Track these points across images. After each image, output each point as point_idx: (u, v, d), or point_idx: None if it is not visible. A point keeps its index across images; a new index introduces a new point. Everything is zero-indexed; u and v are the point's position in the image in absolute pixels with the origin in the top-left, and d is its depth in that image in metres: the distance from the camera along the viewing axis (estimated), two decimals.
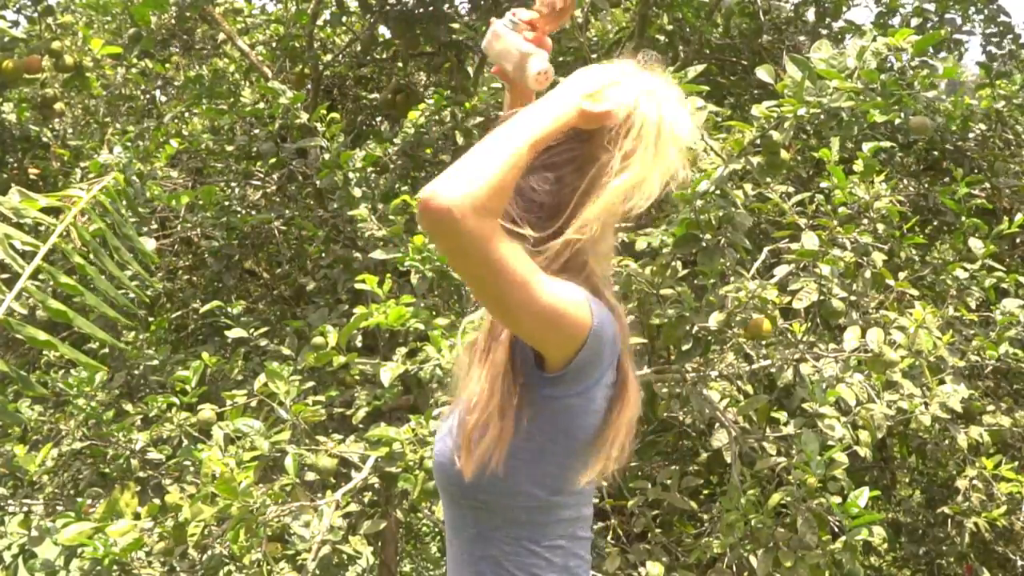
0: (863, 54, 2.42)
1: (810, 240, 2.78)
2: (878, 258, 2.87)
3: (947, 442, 3.17)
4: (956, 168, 3.76)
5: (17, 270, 1.71)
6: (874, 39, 2.48)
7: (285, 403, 2.72)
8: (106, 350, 3.75)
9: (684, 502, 2.92)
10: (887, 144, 3.21)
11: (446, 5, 4.35)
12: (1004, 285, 3.16)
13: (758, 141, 2.64)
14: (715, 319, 2.69)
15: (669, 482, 2.94)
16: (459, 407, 1.33)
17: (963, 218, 3.37)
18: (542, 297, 1.17)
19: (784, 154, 2.69)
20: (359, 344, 3.27)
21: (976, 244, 3.23)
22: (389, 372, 2.67)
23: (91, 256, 1.78)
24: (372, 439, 2.63)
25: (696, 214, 2.63)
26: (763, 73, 2.67)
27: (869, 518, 2.33)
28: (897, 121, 3.42)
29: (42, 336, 1.65)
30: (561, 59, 4.66)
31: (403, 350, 2.81)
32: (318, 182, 3.74)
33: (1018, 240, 3.93)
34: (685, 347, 2.79)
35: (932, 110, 3.60)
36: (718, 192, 2.60)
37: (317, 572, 2.62)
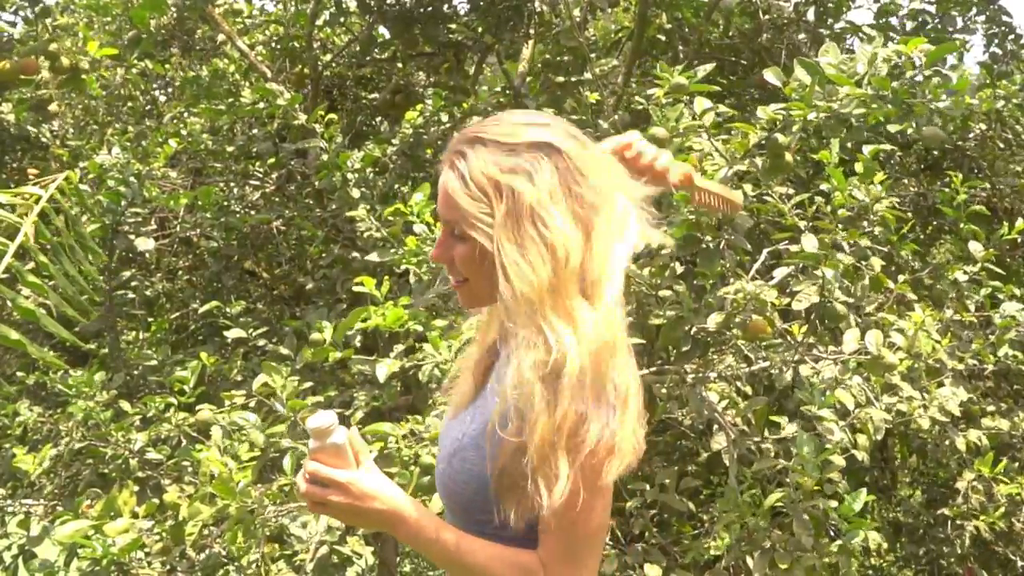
0: (874, 60, 2.40)
1: (809, 243, 2.77)
2: (876, 262, 2.85)
3: (947, 443, 3.16)
4: (955, 172, 3.73)
5: None
6: (884, 44, 2.46)
7: (282, 398, 2.71)
8: (105, 351, 3.75)
9: (681, 503, 2.91)
10: (887, 146, 3.19)
11: (445, 5, 4.35)
12: (1000, 295, 3.14)
13: (763, 143, 2.63)
14: (714, 320, 2.68)
15: (668, 483, 2.93)
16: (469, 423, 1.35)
17: (962, 225, 3.34)
18: None
19: (788, 157, 2.67)
20: (358, 344, 3.27)
21: (976, 247, 3.20)
22: (385, 368, 2.65)
23: (51, 255, 1.76)
24: (369, 434, 2.62)
25: (696, 215, 2.62)
26: (771, 76, 2.65)
27: (860, 524, 2.32)
28: (909, 131, 3.40)
29: (14, 335, 1.61)
30: (560, 59, 4.65)
31: (400, 347, 2.80)
32: (317, 182, 3.73)
33: (1019, 240, 3.90)
34: (684, 348, 2.78)
35: (932, 112, 3.57)
36: None
37: (315, 573, 2.62)
